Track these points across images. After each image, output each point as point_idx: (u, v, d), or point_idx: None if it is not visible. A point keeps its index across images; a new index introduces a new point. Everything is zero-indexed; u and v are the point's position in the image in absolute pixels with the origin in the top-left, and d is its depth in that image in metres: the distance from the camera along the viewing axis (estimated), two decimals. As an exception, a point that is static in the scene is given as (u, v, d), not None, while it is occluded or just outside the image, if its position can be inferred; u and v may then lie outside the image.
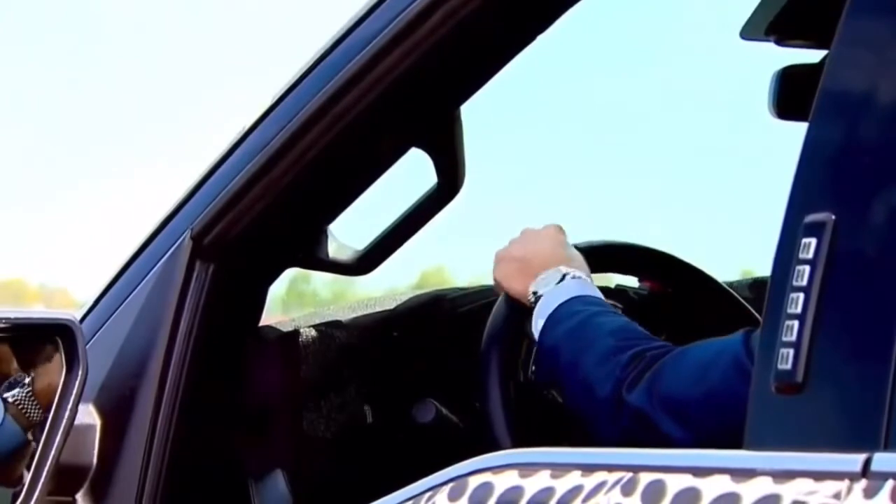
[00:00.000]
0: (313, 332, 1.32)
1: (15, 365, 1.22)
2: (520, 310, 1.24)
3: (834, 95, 0.85)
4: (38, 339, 1.23)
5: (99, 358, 1.26)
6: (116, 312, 1.30)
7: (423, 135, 1.28)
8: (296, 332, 1.31)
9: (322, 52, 1.24)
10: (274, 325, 1.35)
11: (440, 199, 1.29)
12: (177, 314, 1.26)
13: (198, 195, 1.28)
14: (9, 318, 1.21)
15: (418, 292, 1.42)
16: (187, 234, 1.27)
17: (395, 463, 1.28)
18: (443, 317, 1.37)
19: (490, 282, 1.40)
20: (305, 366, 1.30)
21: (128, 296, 1.30)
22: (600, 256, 1.30)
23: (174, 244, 1.28)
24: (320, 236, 1.32)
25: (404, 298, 1.39)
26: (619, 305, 1.27)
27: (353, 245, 1.33)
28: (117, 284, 1.31)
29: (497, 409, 1.20)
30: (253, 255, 1.31)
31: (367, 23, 1.21)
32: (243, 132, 1.27)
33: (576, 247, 1.26)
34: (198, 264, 1.27)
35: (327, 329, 1.33)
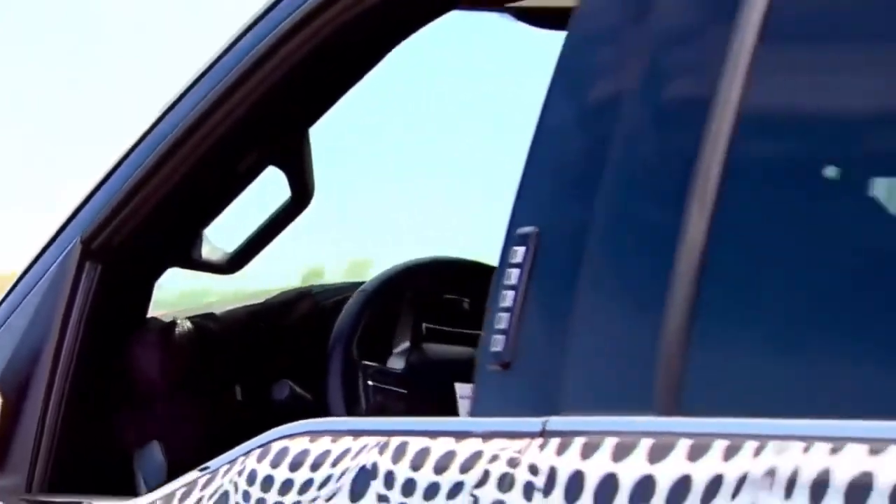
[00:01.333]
0: (189, 323, 1.51)
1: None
2: (367, 308, 1.45)
3: (546, 123, 1.04)
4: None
5: (2, 349, 1.47)
6: (17, 309, 1.50)
7: (278, 154, 1.48)
8: (174, 323, 1.51)
9: (192, 79, 1.43)
10: (157, 317, 1.55)
11: (293, 210, 1.49)
12: (68, 308, 1.46)
13: (88, 205, 1.48)
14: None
15: (287, 288, 1.61)
16: (78, 239, 1.47)
17: (258, 433, 1.48)
18: (306, 310, 1.56)
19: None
20: (183, 352, 1.50)
21: (27, 294, 1.50)
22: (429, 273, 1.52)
23: (66, 248, 1.48)
24: (196, 239, 1.52)
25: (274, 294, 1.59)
26: None
27: (224, 247, 1.52)
28: (19, 285, 1.51)
29: (336, 391, 1.40)
30: (137, 256, 1.51)
31: (227, 56, 1.40)
32: (127, 149, 1.47)
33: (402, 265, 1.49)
34: (87, 265, 1.47)
35: (203, 320, 1.53)
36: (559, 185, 1.01)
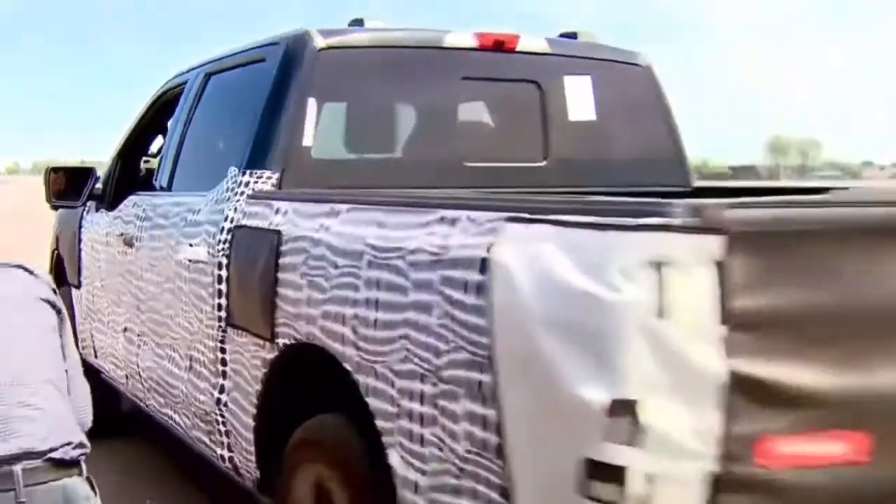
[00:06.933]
0: (146, 166, 5.87)
1: None
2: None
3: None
4: None
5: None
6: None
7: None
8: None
9: (144, 109, 5.87)
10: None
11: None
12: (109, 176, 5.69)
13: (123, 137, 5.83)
14: None
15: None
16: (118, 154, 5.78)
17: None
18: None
19: None
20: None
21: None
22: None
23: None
24: (149, 147, 5.91)
25: None
26: None
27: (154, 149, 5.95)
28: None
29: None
30: (135, 155, 5.82)
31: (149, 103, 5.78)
32: (134, 123, 5.88)
33: None
34: (119, 161, 5.73)
35: (143, 163, 5.83)
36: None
